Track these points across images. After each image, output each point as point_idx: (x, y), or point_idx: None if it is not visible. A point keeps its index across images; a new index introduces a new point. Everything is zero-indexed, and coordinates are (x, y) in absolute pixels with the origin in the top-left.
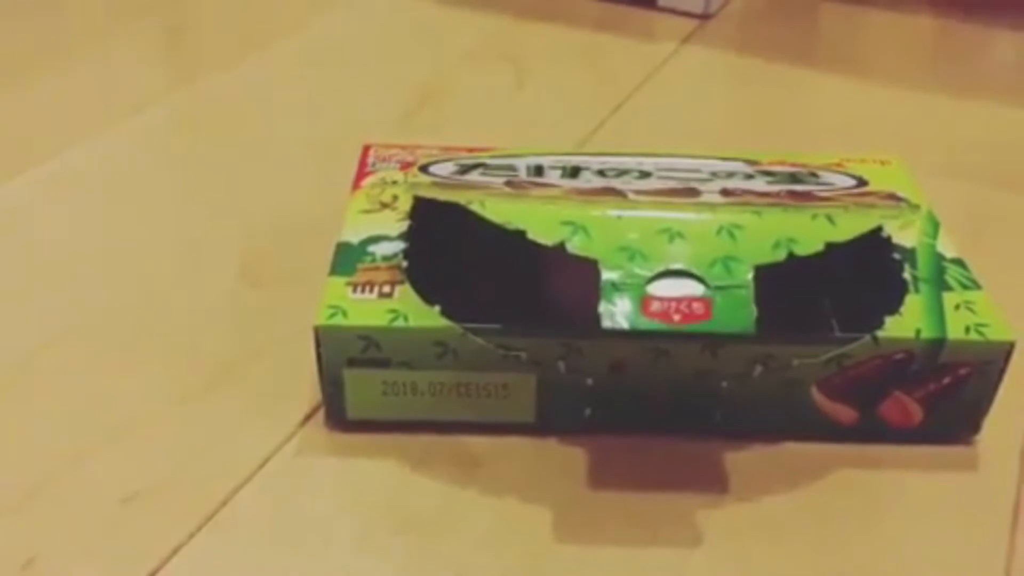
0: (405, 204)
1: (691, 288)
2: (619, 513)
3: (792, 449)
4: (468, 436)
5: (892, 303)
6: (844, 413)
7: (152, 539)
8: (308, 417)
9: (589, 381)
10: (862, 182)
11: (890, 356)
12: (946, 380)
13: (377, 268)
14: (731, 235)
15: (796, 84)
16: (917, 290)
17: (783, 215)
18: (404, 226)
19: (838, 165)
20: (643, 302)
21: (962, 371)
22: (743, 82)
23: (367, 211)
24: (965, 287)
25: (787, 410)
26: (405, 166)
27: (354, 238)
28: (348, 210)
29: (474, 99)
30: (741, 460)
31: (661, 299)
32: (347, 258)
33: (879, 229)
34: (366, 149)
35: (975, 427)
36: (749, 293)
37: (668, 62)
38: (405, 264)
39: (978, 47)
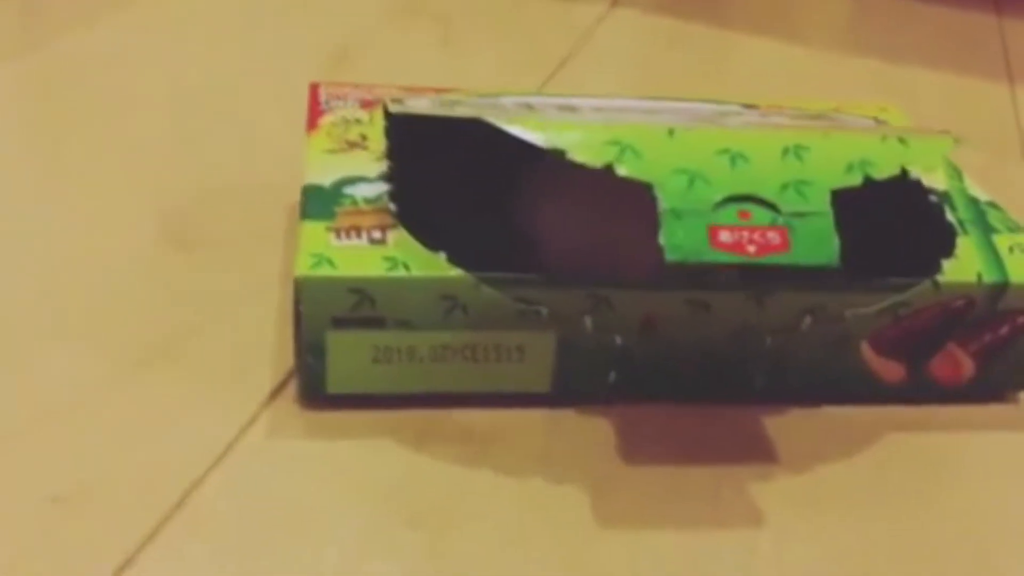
0: (377, 144)
1: (763, 216)
2: (664, 490)
3: (833, 413)
4: (468, 410)
5: (941, 247)
6: (892, 370)
7: (93, 546)
8: (275, 393)
9: (618, 340)
10: (880, 122)
11: (949, 304)
12: (1003, 330)
13: (361, 212)
14: (798, 157)
15: (732, 47)
16: (966, 232)
17: (850, 136)
18: (383, 167)
19: (836, 110)
20: (710, 232)
21: (1021, 319)
22: (682, 44)
23: (332, 151)
24: (1011, 229)
25: (832, 369)
26: (367, 104)
27: (324, 180)
28: (309, 150)
29: (400, 56)
30: (784, 426)
31: (731, 229)
32: (321, 201)
33: (905, 172)
34: (315, 87)
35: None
36: (829, 221)
37: (602, 23)
38: (394, 207)
39: (899, 17)
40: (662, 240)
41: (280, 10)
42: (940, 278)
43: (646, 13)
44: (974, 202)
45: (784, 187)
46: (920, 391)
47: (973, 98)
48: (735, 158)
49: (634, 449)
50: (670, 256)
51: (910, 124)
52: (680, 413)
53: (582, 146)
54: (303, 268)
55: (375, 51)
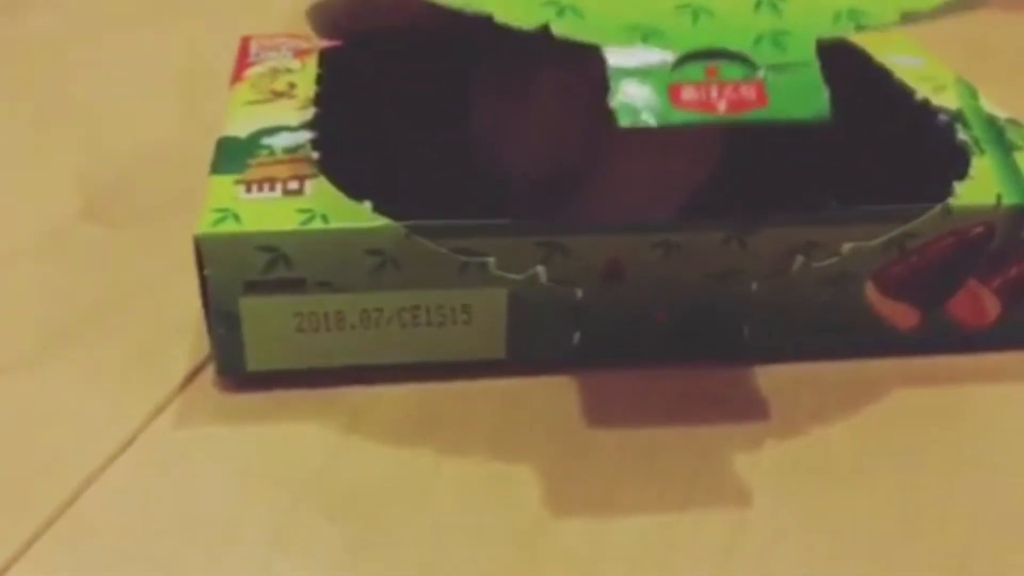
0: (307, 90)
1: (734, 71)
2: (636, 470)
3: (833, 367)
4: (414, 385)
5: (954, 169)
6: (903, 314)
7: None
8: (191, 377)
9: (578, 293)
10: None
11: (966, 232)
12: None
13: (278, 162)
14: (774, 9)
15: None
16: (981, 151)
17: None
18: (310, 114)
19: None
20: (670, 91)
21: None
22: None
23: (255, 102)
24: None
25: (832, 316)
26: (301, 53)
27: (241, 132)
28: (230, 104)
29: None
30: (778, 387)
31: (696, 85)
32: (234, 154)
33: (911, 92)
34: (245, 40)
35: None
36: (815, 70)
37: None
38: (317, 155)
39: None
40: (612, 103)
41: None
42: (952, 202)
43: None
44: (991, 120)
45: (758, 40)
46: (938, 338)
47: (991, 28)
48: (697, 13)
49: (603, 420)
50: (623, 120)
51: (927, 55)
52: (656, 376)
53: (511, 7)
54: (204, 226)
55: None
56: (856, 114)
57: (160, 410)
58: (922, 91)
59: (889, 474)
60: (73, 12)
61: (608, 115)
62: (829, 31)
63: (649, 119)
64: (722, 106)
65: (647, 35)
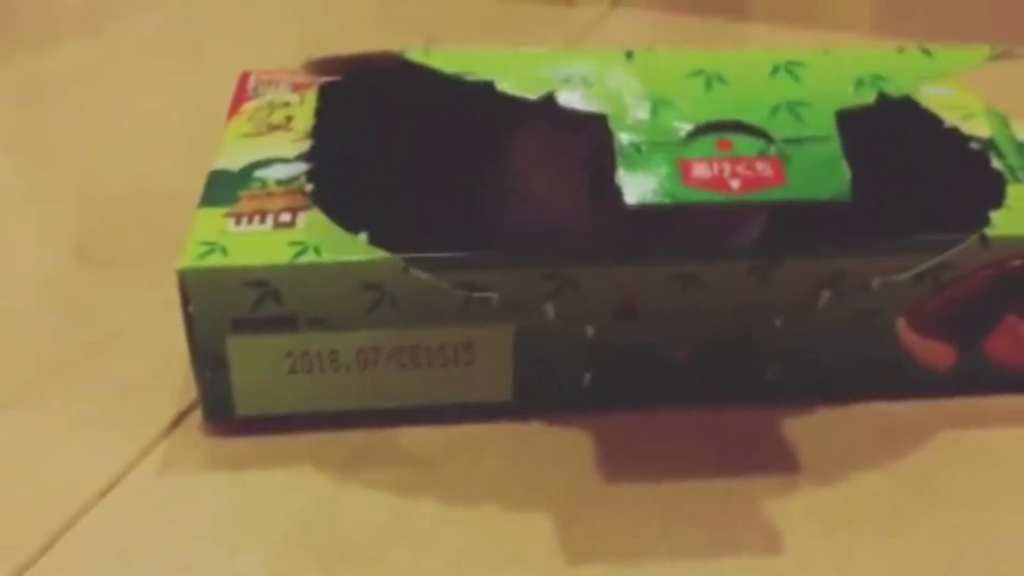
0: (304, 123)
1: (749, 145)
2: (653, 521)
3: (865, 409)
4: (414, 428)
5: (988, 198)
6: (939, 353)
7: None
8: (177, 421)
9: (589, 331)
10: None
11: (1003, 264)
12: None
13: (270, 194)
14: (792, 75)
15: (749, 39)
16: (1017, 180)
17: (859, 51)
18: (306, 146)
19: None
20: (681, 167)
21: None
22: (689, 41)
23: (250, 135)
24: None
25: (861, 355)
26: (299, 87)
27: (234, 165)
28: (224, 137)
29: None
30: (805, 428)
31: (709, 161)
32: (224, 186)
33: (939, 121)
34: (245, 75)
35: None
36: (835, 145)
37: (598, 25)
38: (311, 188)
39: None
40: (620, 180)
41: (252, 21)
42: (989, 232)
43: (651, 10)
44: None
45: (775, 110)
46: (975, 378)
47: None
48: (711, 80)
49: (616, 467)
50: (631, 198)
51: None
52: (673, 420)
53: (514, 76)
54: (188, 259)
55: None
56: (881, 142)
57: (143, 456)
58: (951, 119)
59: (926, 523)
60: (73, 53)
61: None
62: (851, 99)
63: (658, 198)
64: (736, 184)
65: (657, 105)
